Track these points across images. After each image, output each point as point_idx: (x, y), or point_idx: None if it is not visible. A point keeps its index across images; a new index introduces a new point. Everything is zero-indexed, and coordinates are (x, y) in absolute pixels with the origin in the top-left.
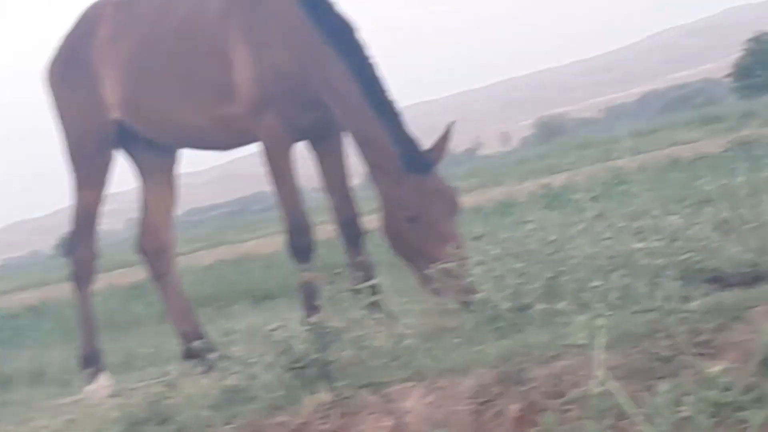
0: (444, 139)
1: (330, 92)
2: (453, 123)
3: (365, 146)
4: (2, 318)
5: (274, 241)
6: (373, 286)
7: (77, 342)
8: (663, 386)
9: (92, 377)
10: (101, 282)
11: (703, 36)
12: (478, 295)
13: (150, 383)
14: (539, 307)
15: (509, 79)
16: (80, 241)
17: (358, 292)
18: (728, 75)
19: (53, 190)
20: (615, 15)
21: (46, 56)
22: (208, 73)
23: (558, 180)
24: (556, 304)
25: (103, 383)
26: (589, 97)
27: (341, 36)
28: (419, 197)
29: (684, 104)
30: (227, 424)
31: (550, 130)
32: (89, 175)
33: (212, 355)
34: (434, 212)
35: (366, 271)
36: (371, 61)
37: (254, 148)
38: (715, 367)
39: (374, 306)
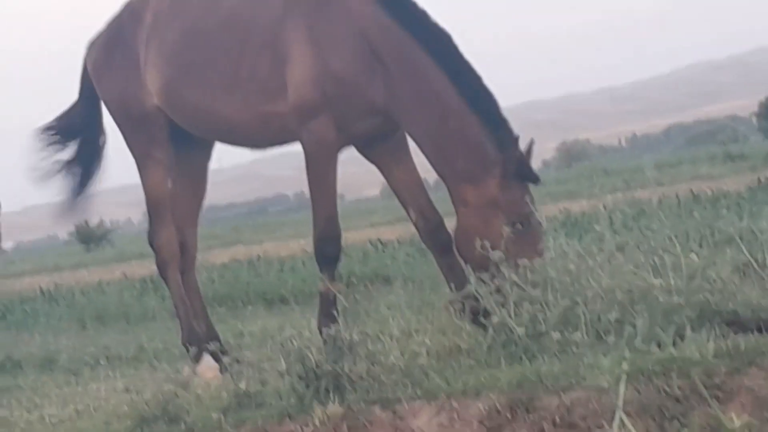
0: (528, 154)
1: (415, 98)
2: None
3: (460, 150)
4: (15, 301)
5: (290, 245)
6: (470, 294)
7: (178, 324)
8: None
9: (197, 357)
10: (116, 273)
11: (731, 73)
12: (494, 319)
13: (161, 381)
14: (554, 335)
15: (533, 101)
16: (158, 226)
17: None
18: (755, 114)
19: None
20: (643, 46)
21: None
22: (256, 68)
23: (577, 206)
24: (571, 334)
25: (209, 364)
26: (613, 126)
27: (440, 43)
28: (526, 205)
29: (708, 139)
30: (236, 428)
31: (571, 155)
32: (145, 155)
33: (225, 358)
34: (534, 221)
35: (460, 278)
36: (473, 67)
37: (280, 150)
38: (736, 422)
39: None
